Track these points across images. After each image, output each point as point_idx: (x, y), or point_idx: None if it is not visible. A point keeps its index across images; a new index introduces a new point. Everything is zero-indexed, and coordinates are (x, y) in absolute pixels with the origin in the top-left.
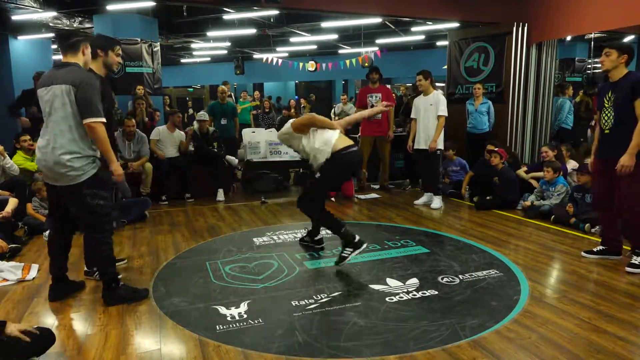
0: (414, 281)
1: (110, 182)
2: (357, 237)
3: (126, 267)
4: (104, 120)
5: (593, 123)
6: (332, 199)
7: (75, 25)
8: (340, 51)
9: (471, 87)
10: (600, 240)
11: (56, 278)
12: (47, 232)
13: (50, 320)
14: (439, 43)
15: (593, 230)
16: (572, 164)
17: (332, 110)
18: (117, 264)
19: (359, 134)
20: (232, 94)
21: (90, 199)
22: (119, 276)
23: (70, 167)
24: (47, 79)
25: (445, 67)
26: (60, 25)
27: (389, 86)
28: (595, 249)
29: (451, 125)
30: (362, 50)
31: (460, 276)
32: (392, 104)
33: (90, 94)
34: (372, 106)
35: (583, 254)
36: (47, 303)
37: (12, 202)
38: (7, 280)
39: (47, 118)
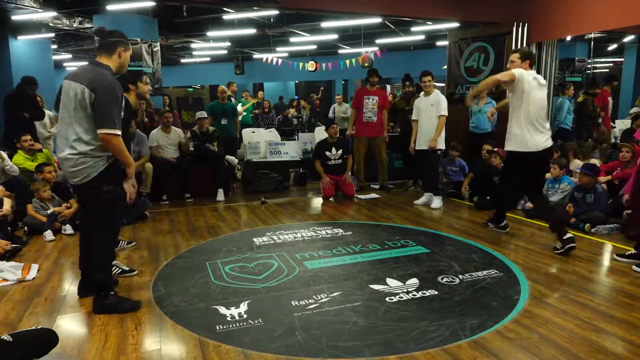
0: (414, 281)
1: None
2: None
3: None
4: (118, 132)
5: (600, 121)
6: (331, 199)
7: (75, 25)
8: (340, 51)
9: (472, 87)
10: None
11: (83, 274)
12: (48, 231)
13: (50, 321)
14: (439, 43)
15: (593, 230)
16: (576, 164)
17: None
18: (128, 245)
19: (354, 134)
20: (234, 97)
21: (107, 194)
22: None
23: (82, 164)
24: (74, 74)
25: (445, 67)
26: (60, 25)
27: (388, 86)
28: (627, 253)
29: (451, 125)
30: (362, 50)
31: (460, 276)
32: (388, 106)
33: (107, 101)
34: (369, 108)
35: (616, 257)
36: (47, 303)
37: (7, 202)
38: (7, 280)
39: (67, 113)
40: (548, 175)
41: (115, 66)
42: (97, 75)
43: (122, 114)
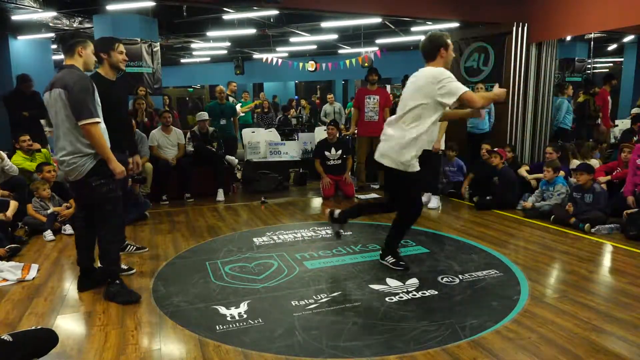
0: (414, 281)
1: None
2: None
3: (126, 267)
4: (97, 120)
5: (599, 121)
6: (331, 198)
7: (75, 25)
8: (340, 51)
9: (472, 87)
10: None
11: (84, 270)
12: (48, 231)
13: (50, 321)
14: None
15: (593, 230)
16: (575, 164)
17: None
18: (139, 252)
19: (356, 135)
20: (233, 96)
21: (100, 187)
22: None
23: (74, 164)
24: (50, 82)
25: None
26: (60, 25)
27: (388, 86)
28: None
29: (450, 125)
30: (362, 50)
31: (460, 276)
32: (390, 105)
33: (79, 95)
34: (370, 108)
35: None
36: (47, 303)
37: (13, 205)
38: (7, 280)
39: (54, 119)
40: (541, 175)
41: (80, 65)
42: (66, 75)
43: (100, 102)
